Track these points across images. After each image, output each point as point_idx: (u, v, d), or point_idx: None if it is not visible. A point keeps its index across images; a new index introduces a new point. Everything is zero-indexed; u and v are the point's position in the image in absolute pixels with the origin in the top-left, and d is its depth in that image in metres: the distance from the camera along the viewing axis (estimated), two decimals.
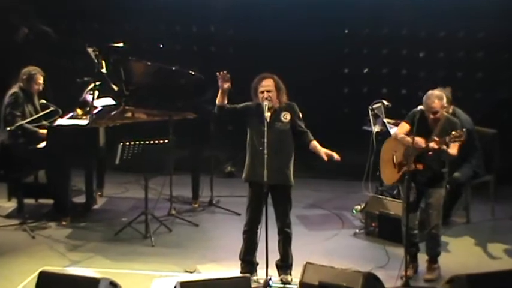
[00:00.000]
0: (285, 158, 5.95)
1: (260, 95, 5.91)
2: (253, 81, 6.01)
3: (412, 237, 6.27)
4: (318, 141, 6.05)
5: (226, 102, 5.95)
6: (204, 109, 7.88)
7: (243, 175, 6.06)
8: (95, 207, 8.28)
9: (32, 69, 7.84)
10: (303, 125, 6.03)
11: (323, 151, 5.94)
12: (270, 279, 5.88)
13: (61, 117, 7.89)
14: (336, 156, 5.92)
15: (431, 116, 6.03)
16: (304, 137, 6.01)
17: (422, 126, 5.99)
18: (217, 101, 5.96)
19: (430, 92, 6.10)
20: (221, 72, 5.86)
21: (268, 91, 5.89)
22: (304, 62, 9.95)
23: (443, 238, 6.66)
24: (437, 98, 6.02)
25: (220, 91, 5.92)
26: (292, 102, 6.06)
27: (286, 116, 5.97)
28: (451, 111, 7.18)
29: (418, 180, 6.15)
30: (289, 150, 5.98)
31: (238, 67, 10.40)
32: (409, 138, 5.98)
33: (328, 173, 9.97)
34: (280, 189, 5.96)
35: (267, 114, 5.82)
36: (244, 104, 6.07)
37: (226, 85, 5.86)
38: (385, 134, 7.63)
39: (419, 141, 5.95)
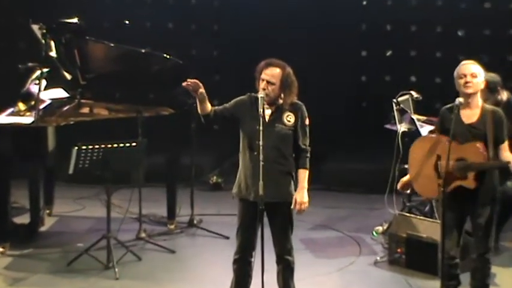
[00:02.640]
0: (285, 168, 5.92)
1: (260, 83, 5.87)
2: (259, 64, 5.94)
3: (451, 268, 6.24)
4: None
5: (209, 107, 5.91)
6: (183, 103, 7.87)
7: (233, 189, 6.03)
8: (42, 229, 8.26)
9: None
10: (306, 140, 5.95)
11: (298, 194, 5.85)
12: None
13: None
14: (296, 210, 5.85)
15: (464, 90, 5.90)
16: (298, 156, 5.96)
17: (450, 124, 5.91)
18: (199, 111, 5.93)
19: (463, 61, 6.05)
20: (187, 83, 5.80)
21: (269, 82, 5.83)
22: (308, 43, 9.96)
23: None
24: (473, 64, 5.94)
25: (197, 101, 5.89)
26: (299, 102, 5.97)
27: (290, 118, 5.91)
28: (505, 98, 7.13)
29: (460, 194, 6.08)
30: (290, 159, 5.94)
31: (225, 50, 10.55)
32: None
33: (342, 184, 9.98)
34: (278, 207, 5.93)
35: (266, 112, 5.78)
36: (235, 100, 6.02)
37: (199, 92, 5.81)
38: (413, 134, 7.62)
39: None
